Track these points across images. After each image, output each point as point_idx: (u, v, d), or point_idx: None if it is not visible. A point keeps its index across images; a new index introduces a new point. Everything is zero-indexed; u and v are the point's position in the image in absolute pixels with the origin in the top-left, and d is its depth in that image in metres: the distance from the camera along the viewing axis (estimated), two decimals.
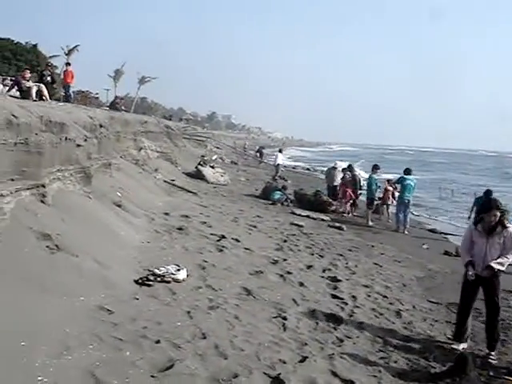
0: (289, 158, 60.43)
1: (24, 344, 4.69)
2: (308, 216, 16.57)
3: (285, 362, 5.46)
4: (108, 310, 5.95)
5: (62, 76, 19.05)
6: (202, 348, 5.43)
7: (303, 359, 5.62)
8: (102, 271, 6.94)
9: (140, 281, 7.21)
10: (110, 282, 6.75)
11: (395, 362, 5.97)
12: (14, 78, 17.56)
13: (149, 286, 7.12)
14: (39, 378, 4.29)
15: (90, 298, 6.14)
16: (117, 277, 7.03)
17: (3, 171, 6.93)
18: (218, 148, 44.54)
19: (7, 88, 17.01)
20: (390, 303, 8.21)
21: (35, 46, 46.46)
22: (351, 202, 18.58)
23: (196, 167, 23.15)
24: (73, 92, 29.45)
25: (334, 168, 20.78)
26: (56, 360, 4.61)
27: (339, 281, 9.01)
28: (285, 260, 9.89)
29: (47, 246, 6.75)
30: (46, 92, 14.33)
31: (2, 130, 6.97)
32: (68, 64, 20.90)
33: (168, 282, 7.34)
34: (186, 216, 12.64)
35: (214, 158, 34.36)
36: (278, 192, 19.15)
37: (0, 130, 6.91)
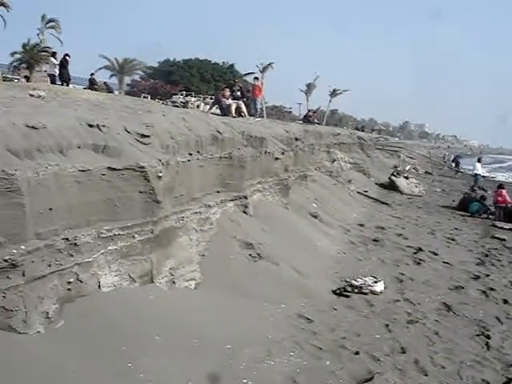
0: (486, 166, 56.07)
1: (229, 347, 4.92)
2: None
3: (488, 383, 5.01)
4: (307, 318, 6.01)
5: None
6: (401, 362, 5.21)
7: (508, 381, 5.10)
8: (301, 280, 7.06)
9: (338, 291, 7.20)
10: (309, 291, 6.83)
11: None
12: (214, 97, 18.86)
13: (346, 296, 7.07)
14: (244, 381, 4.46)
15: (291, 305, 6.27)
16: (315, 286, 7.09)
17: (210, 183, 7.44)
18: (411, 158, 43.10)
19: (208, 106, 18.38)
20: None
21: (232, 65, 49.77)
22: None
23: (389, 178, 22.62)
24: (266, 107, 30.64)
25: None
26: (259, 364, 4.76)
27: None
28: (487, 276, 9.11)
29: (250, 255, 7.07)
30: (244, 108, 15.15)
31: (209, 145, 7.49)
32: (256, 78, 21.86)
33: (365, 294, 7.20)
34: (381, 227, 12.39)
35: (407, 168, 33.33)
36: (477, 203, 17.80)
37: (207, 145, 7.42)
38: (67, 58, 18.74)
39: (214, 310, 5.57)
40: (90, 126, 4.93)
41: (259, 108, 19.98)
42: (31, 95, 6.53)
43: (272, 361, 4.87)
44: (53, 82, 18.05)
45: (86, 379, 3.75)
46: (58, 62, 18.81)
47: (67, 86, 17.04)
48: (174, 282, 5.68)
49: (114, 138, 5.10)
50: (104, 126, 5.07)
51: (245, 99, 17.38)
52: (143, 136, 5.64)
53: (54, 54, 20.68)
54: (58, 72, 18.48)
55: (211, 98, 20.12)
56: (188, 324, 5.04)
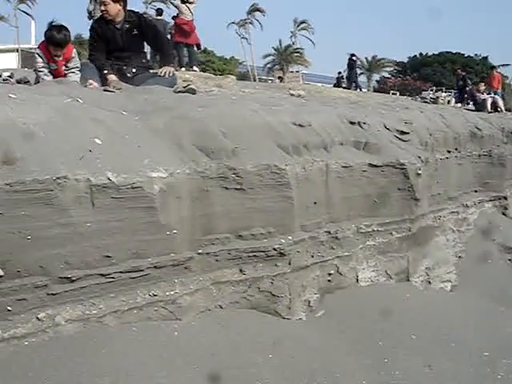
0: None
1: (487, 354, 4.60)
2: None
3: None
4: None
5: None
6: None
7: None
8: None
9: None
10: None
11: None
12: (467, 91, 17.87)
13: None
14: None
15: None
16: None
17: (468, 182, 7.08)
18: None
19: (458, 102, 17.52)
20: None
21: (485, 58, 46.30)
22: None
23: None
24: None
25: None
26: None
27: None
28: None
29: (509, 260, 6.57)
30: (500, 103, 14.11)
31: (468, 142, 7.12)
32: (493, 67, 19.98)
33: None
34: None
35: None
36: None
37: (465, 142, 7.07)
38: (354, 58, 19.62)
39: (471, 315, 5.26)
40: (352, 123, 5.06)
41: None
42: (291, 94, 6.96)
43: None
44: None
45: (344, 367, 3.84)
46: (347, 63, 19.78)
47: (355, 87, 17.84)
48: (429, 282, 5.56)
49: (374, 135, 5.16)
50: (365, 123, 5.16)
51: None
52: (402, 133, 5.61)
53: None
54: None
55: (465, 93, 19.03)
56: (443, 326, 4.85)
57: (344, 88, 17.99)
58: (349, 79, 19.71)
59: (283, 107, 4.98)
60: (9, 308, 2.93)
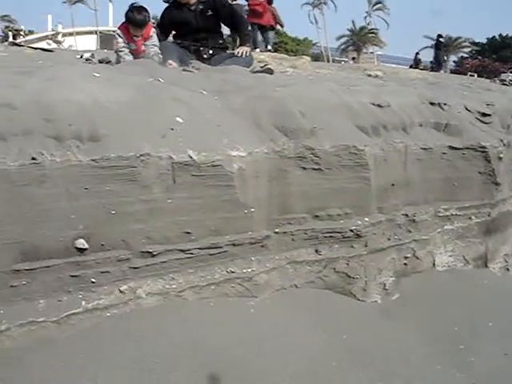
0: None
1: None
2: None
3: None
4: None
5: None
6: None
7: None
8: None
9: None
10: None
11: None
12: None
13: None
14: None
15: None
16: None
17: None
18: None
19: None
20: None
21: None
22: None
23: None
24: None
25: None
26: None
27: None
28: None
29: None
30: None
31: None
32: None
33: None
34: None
35: None
36: None
37: None
38: (441, 39, 19.25)
39: None
40: (432, 104, 4.89)
41: None
42: (369, 75, 6.82)
43: None
44: None
45: (418, 352, 3.77)
46: (434, 44, 19.61)
47: (439, 67, 17.46)
48: (507, 269, 5.33)
49: (455, 117, 4.96)
50: (445, 104, 4.97)
51: None
52: (484, 115, 5.36)
53: None
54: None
55: None
56: None
57: (421, 69, 17.53)
58: (436, 60, 19.23)
59: (361, 87, 4.89)
60: (93, 280, 3.06)
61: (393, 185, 4.23)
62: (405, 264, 4.39)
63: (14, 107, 2.99)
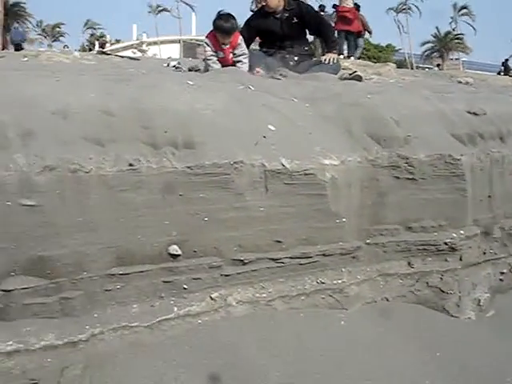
0: None
1: None
2: None
3: None
4: None
5: None
6: None
7: None
8: None
9: None
10: None
11: None
12: None
13: None
14: None
15: None
16: None
17: None
18: None
19: None
20: None
21: None
22: None
23: None
24: None
25: None
26: None
27: None
28: None
29: None
30: None
31: None
32: None
33: None
34: None
35: None
36: None
37: None
38: None
39: None
40: None
41: None
42: (459, 82, 6.59)
43: None
44: None
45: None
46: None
47: None
48: None
49: None
50: None
51: None
52: None
53: None
54: None
55: None
56: None
57: (511, 76, 16.82)
58: None
59: (454, 95, 4.70)
60: (185, 286, 3.08)
61: (489, 196, 4.03)
62: (500, 280, 4.17)
63: (112, 114, 3.06)
